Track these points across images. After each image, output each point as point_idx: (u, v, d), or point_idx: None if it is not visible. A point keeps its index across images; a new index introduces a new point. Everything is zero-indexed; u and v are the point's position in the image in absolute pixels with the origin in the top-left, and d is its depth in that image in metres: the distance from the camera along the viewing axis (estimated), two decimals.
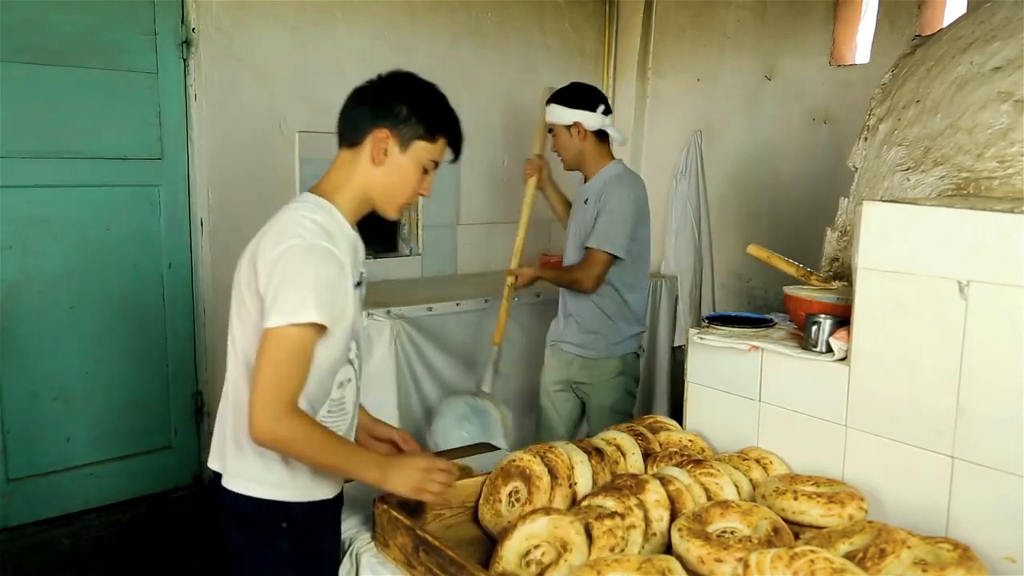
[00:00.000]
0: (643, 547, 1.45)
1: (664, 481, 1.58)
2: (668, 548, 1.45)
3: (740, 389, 1.86)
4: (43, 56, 3.05)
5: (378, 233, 4.14)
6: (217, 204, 3.42)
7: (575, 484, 1.62)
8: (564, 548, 1.38)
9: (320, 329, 1.46)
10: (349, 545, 1.66)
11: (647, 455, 1.80)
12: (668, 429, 1.97)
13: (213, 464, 1.64)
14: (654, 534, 1.48)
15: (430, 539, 1.43)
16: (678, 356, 4.22)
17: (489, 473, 1.70)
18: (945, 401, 1.47)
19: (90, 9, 3.12)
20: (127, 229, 3.31)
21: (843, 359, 1.65)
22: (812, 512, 1.51)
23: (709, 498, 1.60)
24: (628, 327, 2.93)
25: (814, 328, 1.70)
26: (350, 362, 1.61)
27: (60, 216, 3.16)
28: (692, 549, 1.35)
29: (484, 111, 4.27)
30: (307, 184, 1.76)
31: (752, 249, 2.01)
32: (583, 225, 2.87)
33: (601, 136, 2.89)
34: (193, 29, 3.33)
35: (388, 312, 3.14)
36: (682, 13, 4.59)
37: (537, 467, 1.63)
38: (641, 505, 1.50)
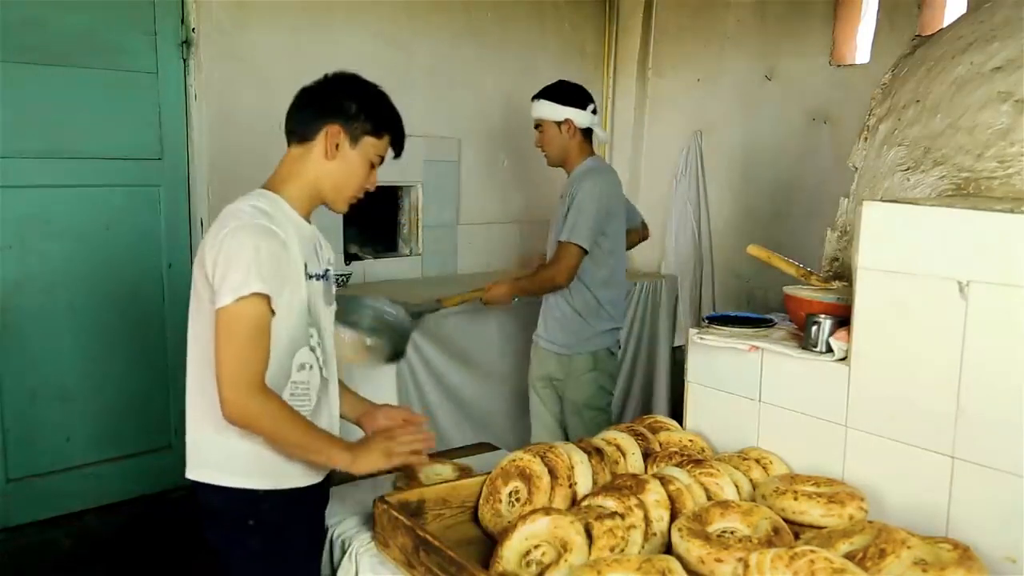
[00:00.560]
0: (643, 547, 1.45)
1: (664, 481, 1.58)
2: (668, 548, 1.45)
3: (740, 389, 1.86)
4: (43, 56, 3.05)
5: (378, 233, 4.14)
6: (217, 204, 3.42)
7: (575, 484, 1.62)
8: (564, 548, 1.38)
9: (266, 300, 1.50)
10: (349, 545, 1.66)
11: (647, 455, 1.80)
12: (668, 429, 1.97)
13: (189, 472, 1.64)
14: (654, 534, 1.48)
15: (430, 539, 1.43)
16: (678, 356, 4.22)
17: (489, 473, 1.70)
18: (945, 401, 1.47)
19: (90, 9, 3.12)
20: (127, 229, 3.31)
21: (843, 359, 1.65)
22: (812, 512, 1.50)
23: (709, 498, 1.60)
24: (600, 323, 2.93)
25: (814, 328, 1.70)
26: (312, 349, 1.64)
27: (60, 216, 3.16)
28: (692, 549, 1.35)
29: (484, 111, 4.28)
30: None
31: (752, 249, 2.01)
32: (558, 221, 2.89)
33: (586, 134, 2.94)
34: (193, 29, 3.33)
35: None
36: (682, 13, 4.59)
37: (537, 467, 1.63)
38: (641, 505, 1.50)
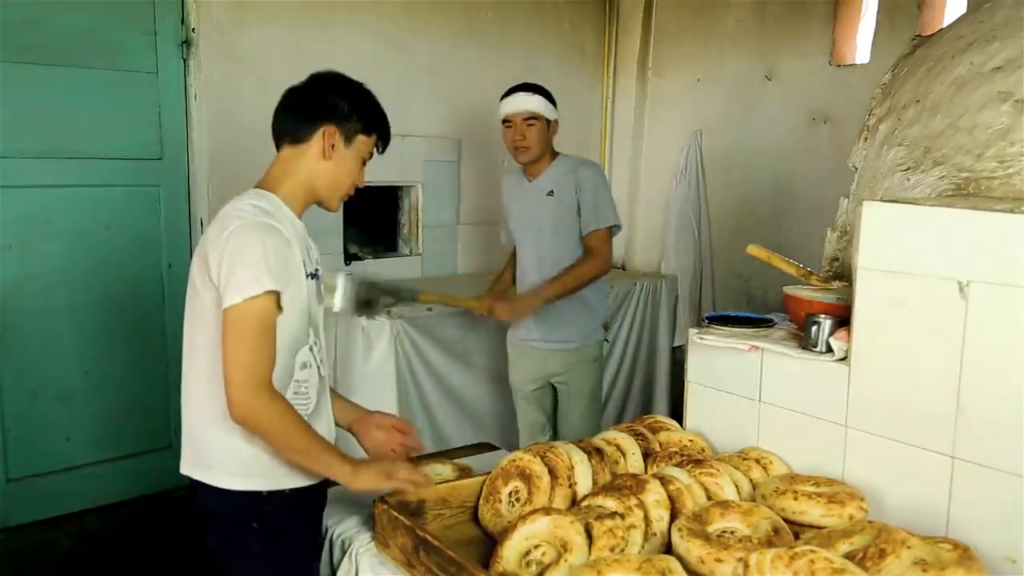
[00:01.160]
0: (643, 547, 1.45)
1: (664, 481, 1.58)
2: (668, 548, 1.45)
3: (740, 389, 1.86)
4: (43, 56, 3.05)
5: (378, 233, 4.14)
6: (217, 204, 3.40)
7: (575, 484, 1.62)
8: (564, 548, 1.38)
9: (276, 297, 1.51)
10: (349, 545, 1.66)
11: (647, 455, 1.80)
12: (668, 429, 1.97)
13: (184, 469, 1.65)
14: (654, 534, 1.48)
15: (430, 539, 1.43)
16: (678, 356, 4.22)
17: (489, 473, 1.70)
18: (945, 401, 1.47)
19: (90, 9, 3.13)
20: (127, 229, 3.32)
21: (843, 359, 1.65)
22: (812, 512, 1.50)
23: (709, 498, 1.60)
24: (601, 311, 3.01)
25: (814, 328, 1.70)
26: (310, 348, 1.65)
27: (60, 216, 3.16)
28: (692, 549, 1.35)
29: (484, 111, 4.27)
30: None
31: (752, 249, 2.01)
32: (557, 216, 2.87)
33: None
34: (193, 29, 3.33)
35: (388, 312, 3.14)
36: (682, 13, 4.59)
37: (537, 467, 1.63)
38: (641, 505, 1.50)
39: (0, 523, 3.13)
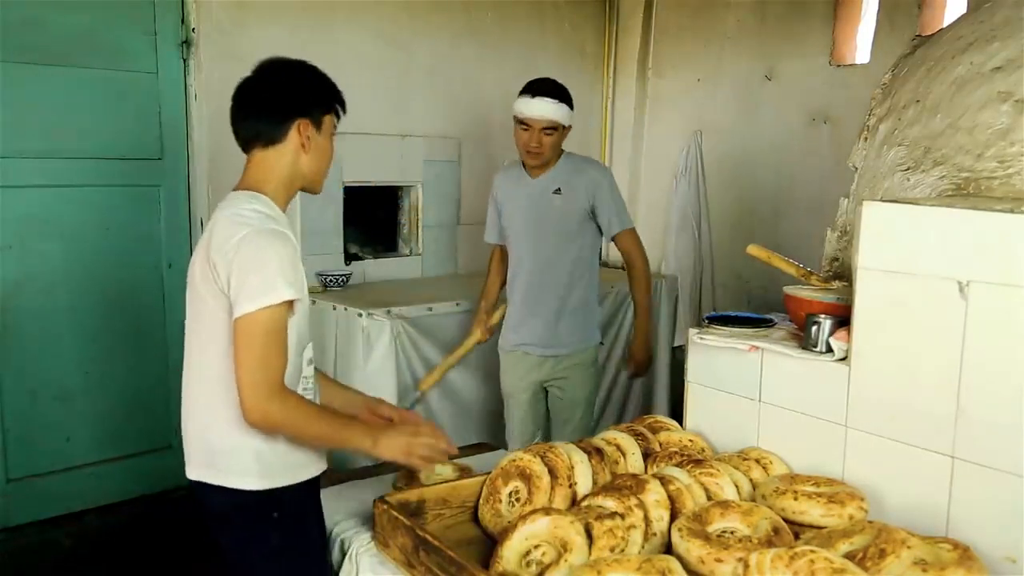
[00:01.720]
0: (643, 547, 1.44)
1: (664, 481, 1.58)
2: (668, 548, 1.45)
3: (740, 389, 1.86)
4: (43, 56, 3.05)
5: (378, 233, 4.14)
6: (217, 204, 3.42)
7: (575, 484, 1.62)
8: (564, 548, 1.38)
9: (290, 305, 1.53)
10: (349, 546, 1.66)
11: (647, 455, 1.80)
12: (668, 429, 1.97)
13: (193, 474, 1.64)
14: (654, 534, 1.48)
15: (430, 539, 1.43)
16: (678, 356, 4.21)
17: (489, 473, 1.70)
18: (945, 401, 1.47)
19: (90, 9, 3.13)
20: (127, 229, 3.32)
21: (843, 359, 1.65)
22: (812, 512, 1.50)
23: (709, 498, 1.60)
24: (597, 314, 3.01)
25: (814, 328, 1.70)
26: (311, 343, 1.69)
27: (60, 216, 3.16)
28: (692, 549, 1.35)
29: (484, 111, 4.27)
30: None
31: (752, 249, 2.01)
32: (564, 215, 2.81)
33: None
34: (193, 29, 3.33)
35: (388, 312, 3.14)
36: (682, 13, 4.59)
37: (537, 467, 1.63)
38: (641, 505, 1.50)
39: (0, 523, 3.13)
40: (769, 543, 1.35)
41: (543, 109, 2.71)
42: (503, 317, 2.98)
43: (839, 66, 3.89)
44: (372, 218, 4.05)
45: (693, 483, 1.61)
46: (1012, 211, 1.40)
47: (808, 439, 1.72)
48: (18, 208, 3.06)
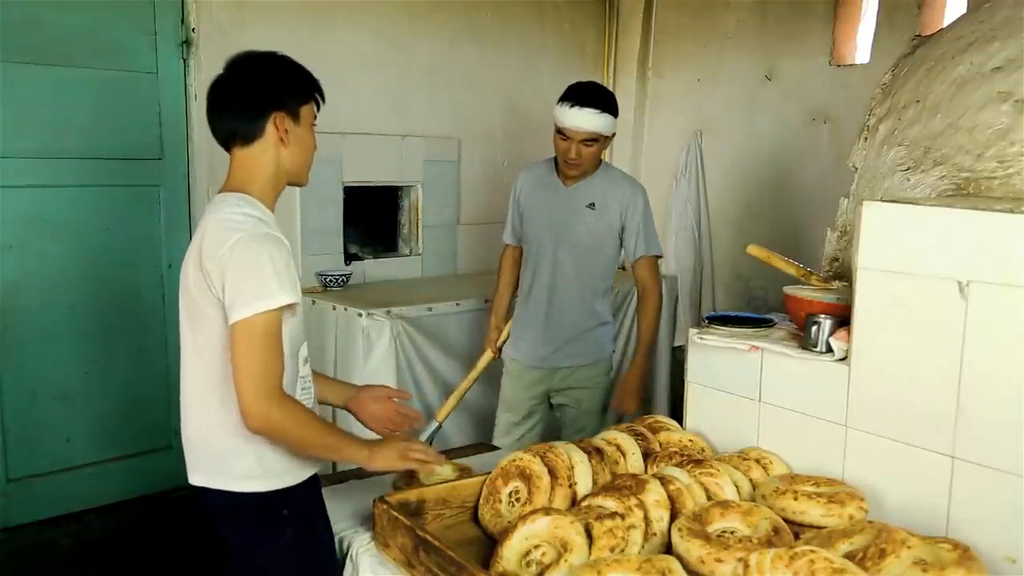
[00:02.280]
0: (643, 547, 1.44)
1: (664, 481, 1.58)
2: (668, 548, 1.45)
3: (740, 389, 1.86)
4: (43, 56, 3.05)
5: (378, 233, 4.14)
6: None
7: (575, 484, 1.62)
8: (564, 548, 1.38)
9: (289, 308, 1.53)
10: (349, 546, 1.66)
11: (647, 455, 1.80)
12: (668, 429, 1.97)
13: (196, 480, 1.64)
14: (654, 534, 1.48)
15: (430, 539, 1.43)
16: (678, 356, 4.21)
17: (489, 473, 1.70)
18: (945, 401, 1.47)
19: (90, 9, 3.12)
20: (127, 229, 3.31)
21: (843, 359, 1.65)
22: (812, 512, 1.50)
23: (709, 498, 1.60)
24: (611, 323, 2.89)
25: (814, 328, 1.70)
26: (305, 343, 1.70)
27: (60, 216, 3.16)
28: (692, 549, 1.35)
29: (484, 111, 4.28)
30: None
31: (752, 249, 2.01)
32: (596, 232, 2.70)
33: None
34: (193, 29, 3.33)
35: (388, 312, 3.14)
36: (682, 13, 4.59)
37: (537, 467, 1.63)
38: (641, 505, 1.50)
39: (0, 523, 3.12)
40: (769, 543, 1.35)
41: (584, 120, 2.53)
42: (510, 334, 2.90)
43: (839, 66, 3.89)
44: (372, 218, 4.04)
45: (693, 483, 1.61)
46: (1012, 211, 1.40)
47: (808, 439, 1.72)
48: (18, 208, 3.06)
